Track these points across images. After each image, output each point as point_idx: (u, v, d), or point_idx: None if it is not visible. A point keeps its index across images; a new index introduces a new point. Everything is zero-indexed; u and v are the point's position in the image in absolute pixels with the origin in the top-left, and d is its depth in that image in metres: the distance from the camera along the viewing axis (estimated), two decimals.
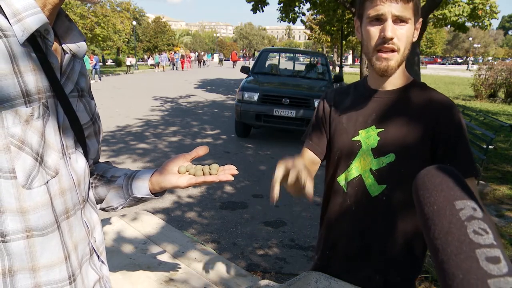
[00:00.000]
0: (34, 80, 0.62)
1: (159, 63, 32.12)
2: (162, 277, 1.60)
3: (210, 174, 0.84)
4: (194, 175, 0.84)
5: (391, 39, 1.03)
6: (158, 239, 1.94)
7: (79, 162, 0.74)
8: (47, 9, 0.65)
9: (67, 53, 0.73)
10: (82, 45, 0.75)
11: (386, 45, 1.04)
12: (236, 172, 0.84)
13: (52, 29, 0.68)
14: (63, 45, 0.73)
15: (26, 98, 0.61)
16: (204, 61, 44.11)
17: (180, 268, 1.69)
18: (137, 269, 1.63)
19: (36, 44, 0.63)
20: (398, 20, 1.03)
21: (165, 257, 1.78)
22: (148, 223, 2.12)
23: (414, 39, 1.10)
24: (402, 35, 1.04)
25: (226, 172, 0.83)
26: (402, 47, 1.05)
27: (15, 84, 0.59)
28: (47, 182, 0.64)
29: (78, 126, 0.73)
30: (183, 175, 0.85)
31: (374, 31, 1.05)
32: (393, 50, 1.05)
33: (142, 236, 1.96)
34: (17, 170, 0.60)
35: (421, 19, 1.10)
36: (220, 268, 1.71)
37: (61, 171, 0.67)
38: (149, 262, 1.71)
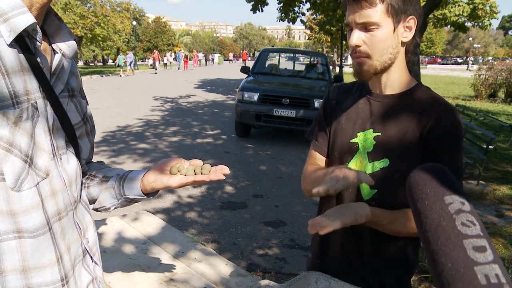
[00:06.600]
0: (22, 81, 0.61)
1: (120, 65, 23.53)
2: (162, 277, 1.60)
3: (201, 174, 0.84)
4: (185, 175, 0.84)
5: (357, 46, 1.04)
6: (158, 239, 1.94)
7: (71, 163, 0.73)
8: (35, 9, 0.64)
9: (57, 52, 0.72)
10: (72, 44, 0.74)
11: (354, 53, 1.06)
12: (228, 171, 0.84)
13: (41, 28, 0.67)
14: (52, 45, 0.72)
15: (14, 99, 0.60)
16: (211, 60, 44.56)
17: (180, 268, 1.69)
18: (137, 269, 1.64)
19: (24, 44, 0.62)
20: (366, 26, 1.02)
21: (165, 257, 1.78)
22: (148, 223, 2.12)
23: (405, 39, 1.05)
24: (372, 41, 1.02)
25: (218, 172, 0.83)
26: (375, 53, 1.03)
27: (2, 86, 0.58)
28: (38, 184, 0.63)
29: (69, 126, 0.73)
30: (174, 176, 0.84)
31: (349, 39, 1.07)
32: (363, 56, 1.05)
33: (142, 236, 1.97)
34: (6, 173, 0.59)
35: (410, 17, 1.04)
36: (220, 268, 1.72)
37: (52, 172, 0.66)
38: (149, 262, 1.71)
